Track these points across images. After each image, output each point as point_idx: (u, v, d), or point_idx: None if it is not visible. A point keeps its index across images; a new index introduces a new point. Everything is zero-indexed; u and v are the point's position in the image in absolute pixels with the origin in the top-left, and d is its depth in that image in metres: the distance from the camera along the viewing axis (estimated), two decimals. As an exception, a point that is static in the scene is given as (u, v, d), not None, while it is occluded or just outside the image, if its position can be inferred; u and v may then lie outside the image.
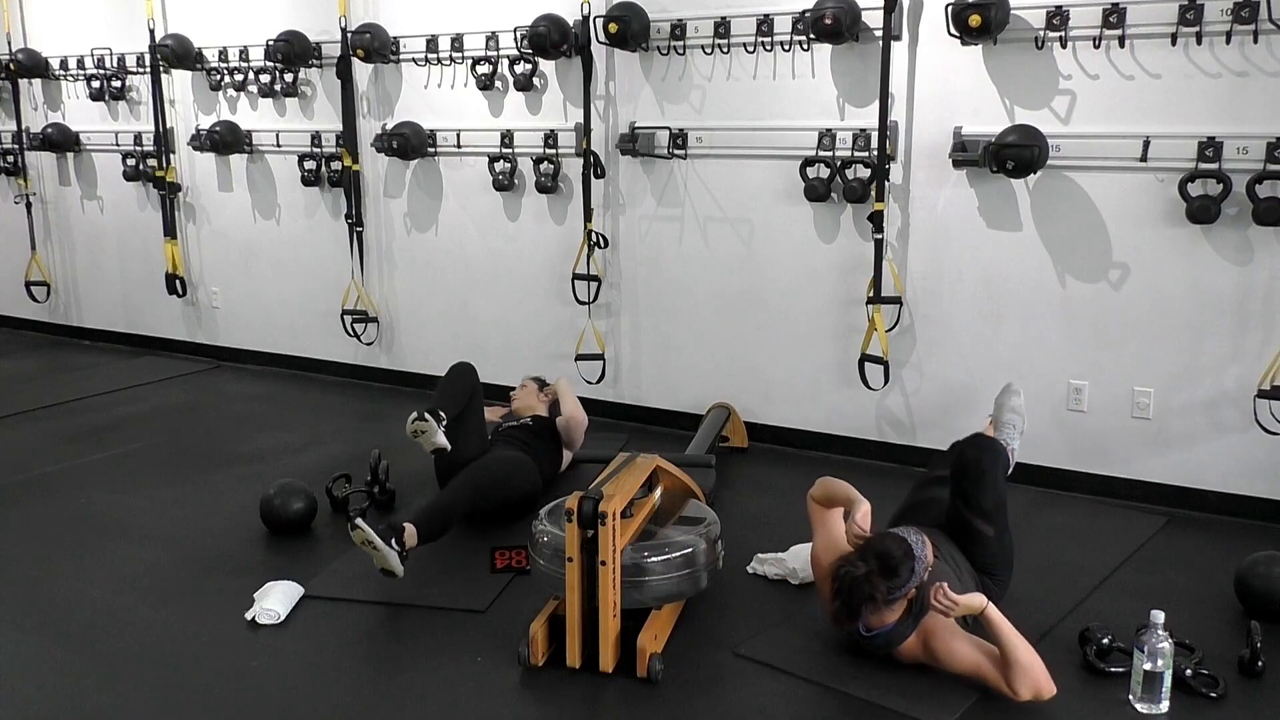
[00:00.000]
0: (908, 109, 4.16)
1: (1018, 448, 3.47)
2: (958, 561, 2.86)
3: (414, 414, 3.53)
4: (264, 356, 6.28)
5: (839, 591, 2.64)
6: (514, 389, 4.49)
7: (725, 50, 4.49)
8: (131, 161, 6.33)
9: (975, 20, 3.74)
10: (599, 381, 4.97)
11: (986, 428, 3.60)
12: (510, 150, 5.08)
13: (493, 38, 5.00)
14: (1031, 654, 2.56)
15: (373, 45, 5.16)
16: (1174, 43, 3.66)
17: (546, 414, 4.28)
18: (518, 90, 4.98)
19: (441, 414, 3.62)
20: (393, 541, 3.14)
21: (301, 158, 5.72)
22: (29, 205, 6.86)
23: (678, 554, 2.83)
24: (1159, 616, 2.51)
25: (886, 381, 4.28)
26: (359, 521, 3.11)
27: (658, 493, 3.15)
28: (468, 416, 3.82)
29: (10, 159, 6.84)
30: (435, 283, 5.53)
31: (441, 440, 3.55)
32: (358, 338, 5.75)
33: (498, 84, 5.08)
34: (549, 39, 4.65)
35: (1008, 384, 3.72)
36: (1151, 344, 3.89)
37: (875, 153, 4.14)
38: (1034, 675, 2.53)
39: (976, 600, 2.61)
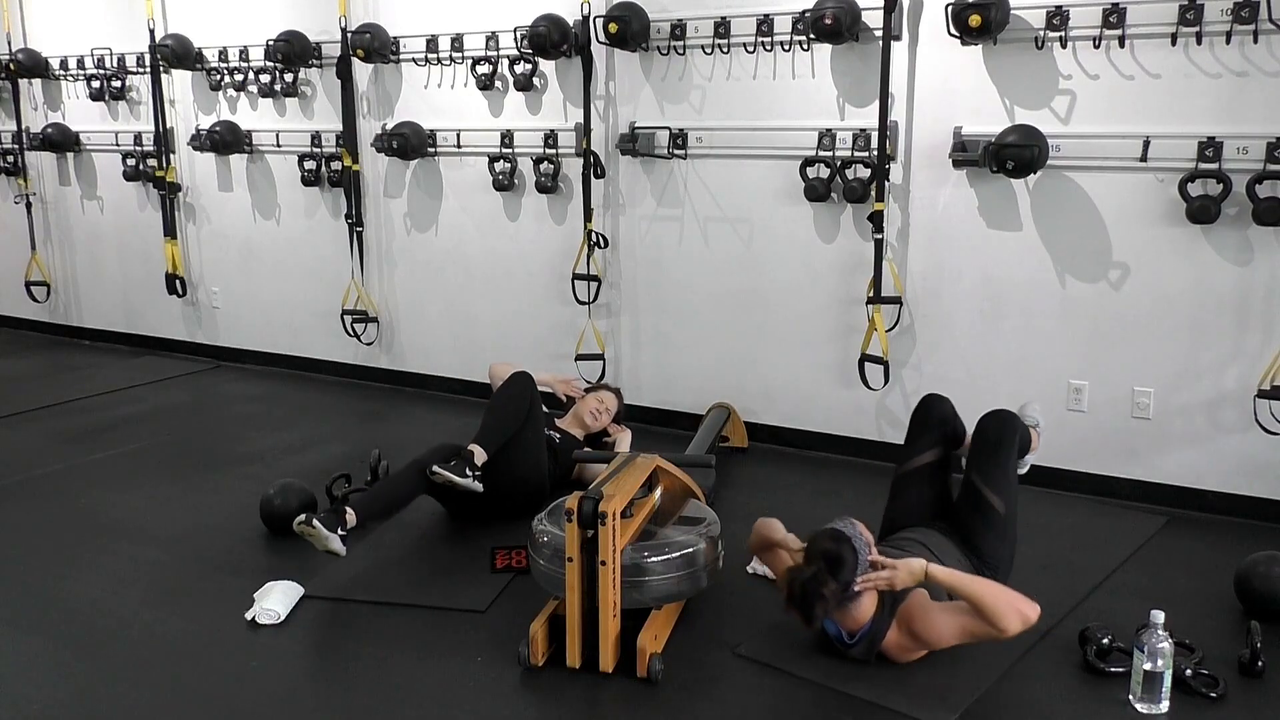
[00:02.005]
0: (908, 109, 4.16)
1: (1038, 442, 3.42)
2: (951, 558, 2.85)
3: (300, 517, 3.22)
4: (264, 356, 6.28)
5: (791, 597, 2.63)
6: (591, 389, 4.36)
7: (725, 50, 4.49)
8: (131, 161, 6.34)
9: (975, 20, 3.74)
10: (601, 381, 4.97)
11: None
12: (510, 150, 5.08)
13: (493, 38, 5.00)
14: (998, 591, 2.58)
15: (373, 45, 5.17)
16: (1174, 43, 3.66)
17: (581, 437, 4.17)
18: (518, 90, 4.98)
19: (350, 513, 3.32)
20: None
21: (301, 158, 5.72)
22: (29, 205, 6.86)
23: (678, 554, 2.83)
24: (1159, 616, 2.51)
25: (886, 381, 4.28)
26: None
27: (658, 493, 3.15)
28: (524, 434, 3.70)
29: (10, 159, 6.84)
30: (435, 283, 5.53)
31: (336, 546, 3.24)
32: (358, 338, 5.75)
33: (498, 84, 5.08)
34: (549, 39, 4.64)
35: (1023, 404, 3.56)
36: (1151, 344, 3.89)
37: (875, 153, 4.14)
38: (1013, 609, 2.53)
39: (916, 564, 2.62)
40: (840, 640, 2.74)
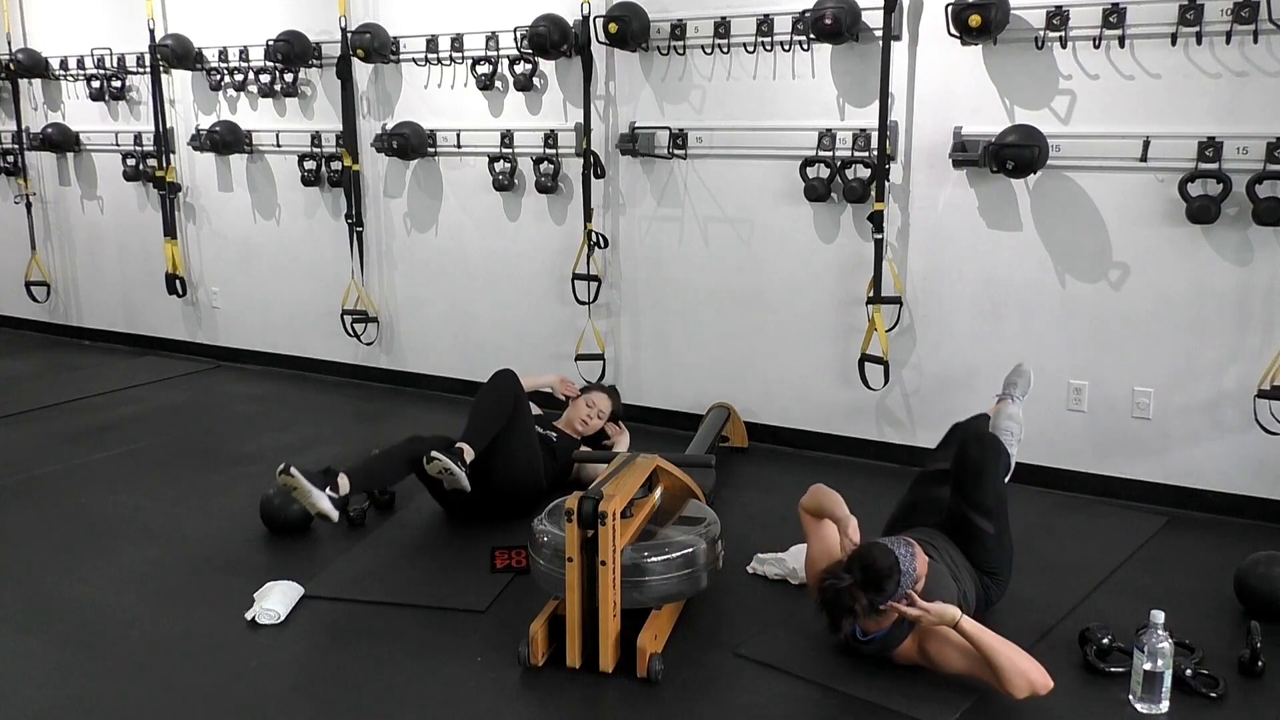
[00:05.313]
0: (908, 109, 4.16)
1: (1015, 454, 3.41)
2: (956, 562, 2.86)
3: (280, 466, 3.21)
4: (264, 356, 6.28)
5: (822, 603, 2.64)
6: (582, 392, 4.30)
7: (725, 50, 4.49)
8: (131, 161, 6.34)
9: (975, 20, 3.74)
10: (599, 382, 4.97)
11: (993, 408, 3.55)
12: (510, 150, 5.08)
13: (493, 38, 5.00)
14: (1017, 656, 2.53)
15: (373, 45, 5.17)
16: (1174, 43, 3.66)
17: (577, 437, 4.13)
18: (518, 90, 4.98)
19: (343, 478, 3.36)
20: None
21: (301, 158, 5.72)
22: (29, 205, 6.86)
23: (678, 554, 2.83)
24: (1159, 616, 2.51)
25: (886, 381, 4.28)
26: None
27: (658, 493, 3.15)
28: (513, 433, 3.66)
29: (10, 159, 6.85)
30: (435, 283, 5.53)
31: (325, 506, 3.27)
32: (358, 338, 5.75)
33: (498, 84, 5.08)
34: (549, 39, 4.64)
35: (1019, 364, 3.63)
36: (1151, 344, 3.89)
37: (875, 153, 4.14)
38: (1023, 675, 2.50)
39: (949, 612, 2.57)
40: (854, 636, 2.74)
